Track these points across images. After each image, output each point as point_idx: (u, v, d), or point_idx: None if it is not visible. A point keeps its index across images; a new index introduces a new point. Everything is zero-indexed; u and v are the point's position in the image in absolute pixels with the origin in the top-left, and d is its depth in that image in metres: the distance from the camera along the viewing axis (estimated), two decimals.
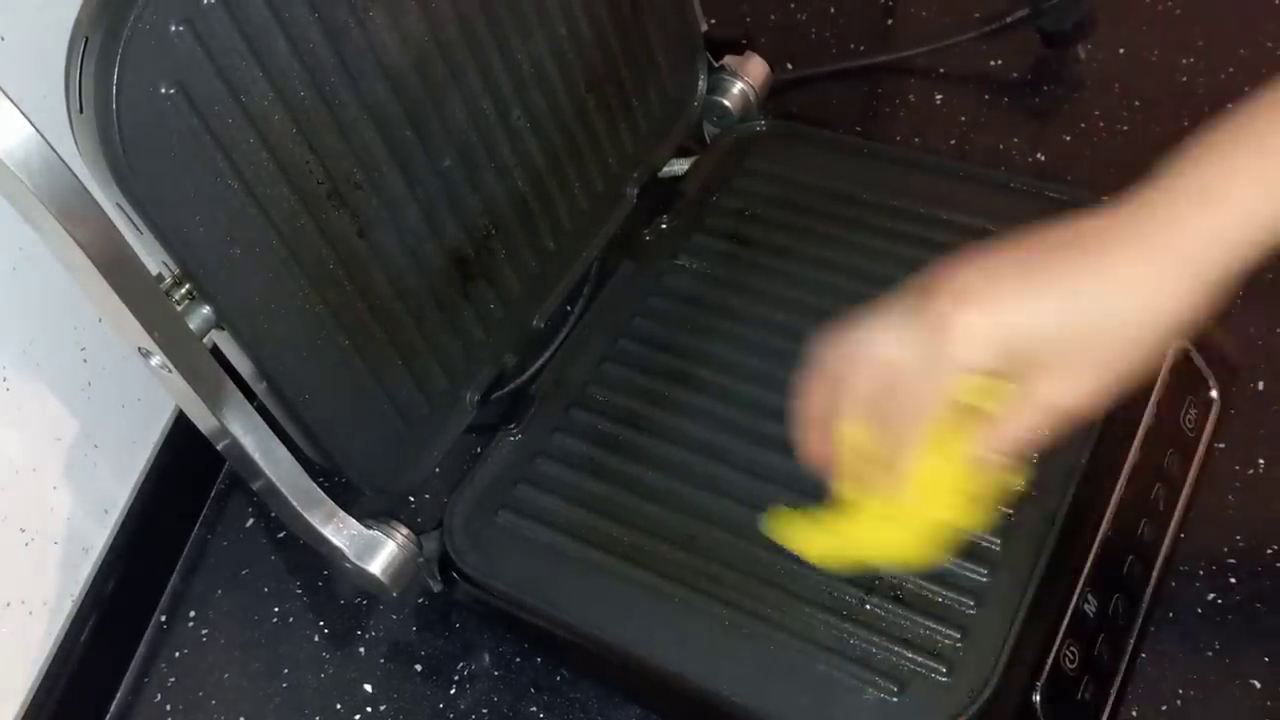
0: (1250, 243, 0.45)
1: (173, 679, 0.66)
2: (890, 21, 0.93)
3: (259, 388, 0.57)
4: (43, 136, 0.44)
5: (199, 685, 0.65)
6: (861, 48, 0.91)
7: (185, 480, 0.71)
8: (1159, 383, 0.61)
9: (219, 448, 0.56)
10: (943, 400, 0.46)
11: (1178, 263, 0.44)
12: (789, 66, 0.89)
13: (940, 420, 0.46)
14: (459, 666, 0.64)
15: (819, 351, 0.49)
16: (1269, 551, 0.62)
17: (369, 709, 0.63)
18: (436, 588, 0.64)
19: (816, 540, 0.50)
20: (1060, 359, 0.44)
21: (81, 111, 0.47)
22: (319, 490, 0.59)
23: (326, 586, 0.68)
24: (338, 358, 0.58)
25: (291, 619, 0.67)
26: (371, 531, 0.60)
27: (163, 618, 0.69)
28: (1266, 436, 0.66)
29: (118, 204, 0.49)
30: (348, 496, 0.62)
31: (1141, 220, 0.45)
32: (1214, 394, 0.64)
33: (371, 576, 0.60)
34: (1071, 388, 0.45)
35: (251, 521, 0.71)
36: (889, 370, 0.47)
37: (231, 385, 0.54)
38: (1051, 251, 0.45)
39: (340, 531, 0.59)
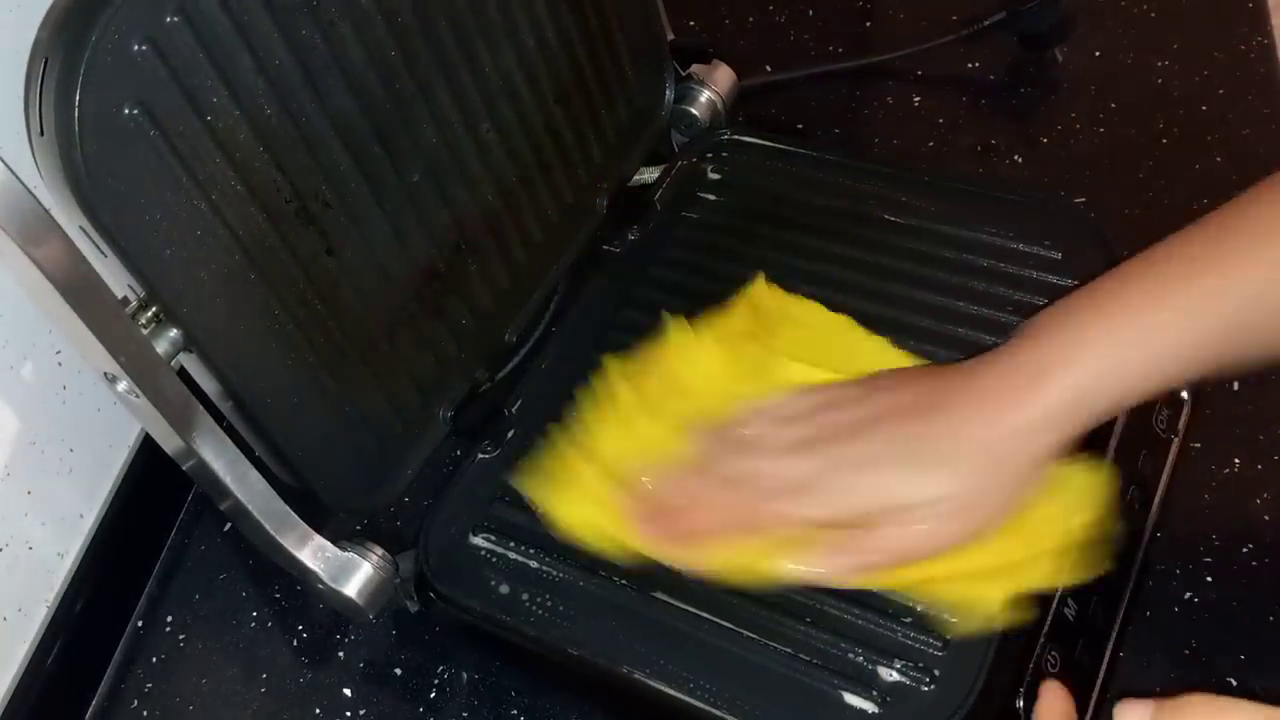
0: (1088, 411, 0.51)
1: (150, 685, 0.65)
2: (868, 24, 0.93)
3: (226, 407, 0.56)
4: (1, 160, 0.43)
5: (176, 691, 0.65)
6: (840, 50, 0.91)
7: (162, 485, 0.71)
8: None
9: (185, 468, 0.56)
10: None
11: (1036, 413, 0.51)
12: (768, 69, 0.89)
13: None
14: (439, 670, 0.64)
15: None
16: (1244, 550, 0.63)
17: (348, 713, 0.63)
18: (413, 608, 0.63)
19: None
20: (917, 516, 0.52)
21: (42, 134, 0.46)
22: (291, 512, 0.58)
23: (305, 591, 0.68)
24: (308, 377, 0.58)
25: (270, 624, 0.67)
26: (346, 553, 0.59)
27: (139, 623, 0.68)
28: (1242, 436, 0.66)
29: (81, 227, 0.48)
30: (320, 516, 0.61)
31: (1001, 378, 0.52)
32: (1184, 394, 0.64)
33: (346, 599, 0.59)
34: (949, 522, 0.52)
35: (229, 526, 0.71)
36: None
37: (201, 409, 0.54)
38: (921, 418, 0.53)
39: (313, 554, 0.59)
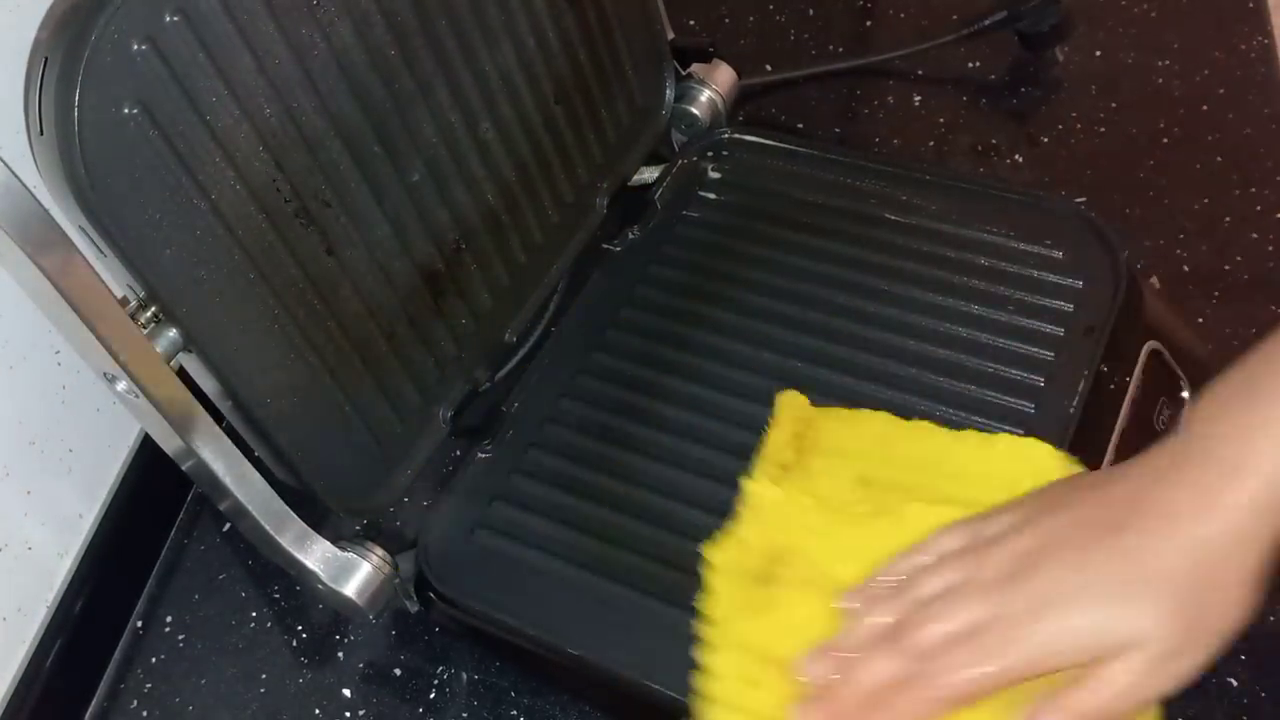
0: None
1: (149, 685, 0.65)
2: (868, 24, 0.93)
3: (226, 407, 0.56)
4: (1, 160, 0.43)
5: (176, 691, 0.65)
6: (840, 50, 0.91)
7: (161, 485, 0.71)
8: (1132, 384, 0.61)
9: (185, 468, 0.56)
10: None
11: (1232, 529, 0.42)
12: (768, 69, 0.89)
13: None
14: (439, 670, 0.64)
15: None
16: None
17: (348, 713, 0.63)
18: (413, 609, 0.63)
19: None
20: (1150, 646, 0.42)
21: (42, 133, 0.47)
22: (291, 513, 0.58)
23: (305, 591, 0.68)
24: (308, 377, 0.58)
25: (269, 624, 0.67)
26: (345, 554, 0.59)
27: (139, 623, 0.68)
28: None
29: (81, 227, 0.48)
30: (320, 516, 0.61)
31: (1185, 478, 0.43)
32: (1185, 394, 0.64)
33: (346, 599, 0.59)
34: (1157, 671, 0.43)
35: (228, 526, 0.71)
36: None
37: (201, 409, 0.54)
38: (1099, 542, 0.44)
39: (313, 554, 0.59)
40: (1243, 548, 0.42)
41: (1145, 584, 0.42)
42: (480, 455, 0.64)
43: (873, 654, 0.47)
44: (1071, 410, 0.60)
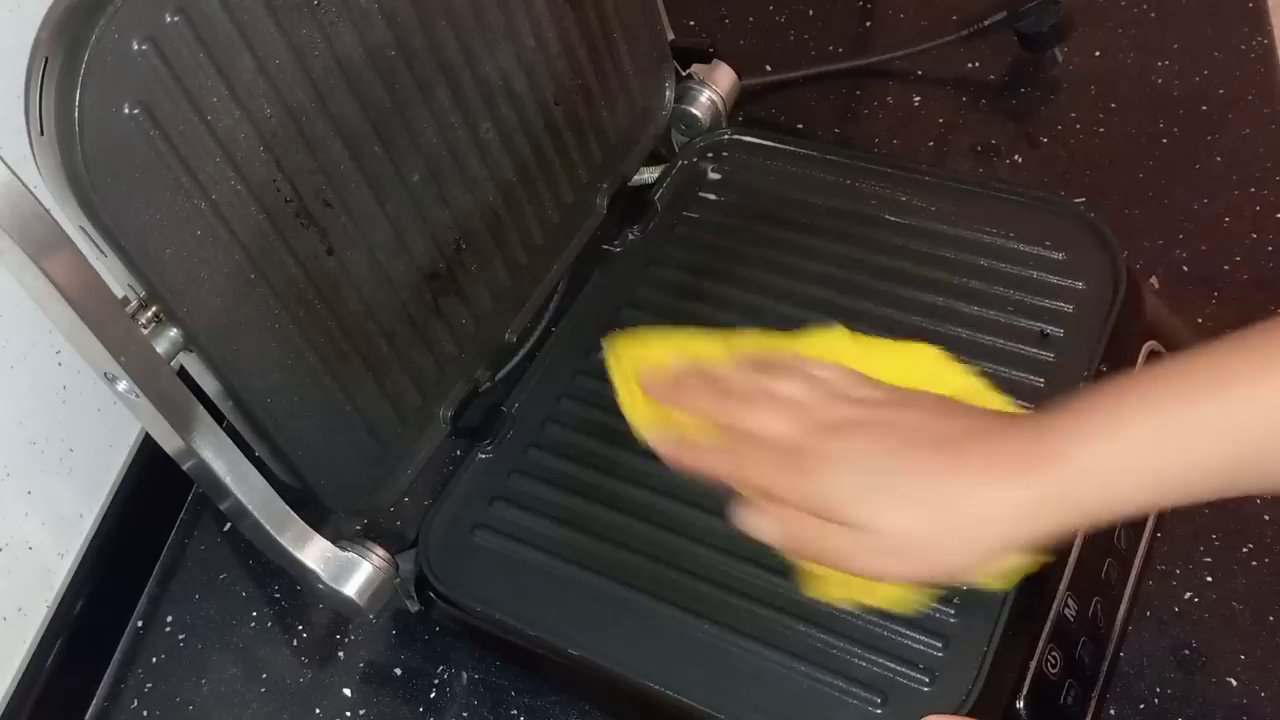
0: (1111, 505, 0.46)
1: (150, 685, 0.66)
2: (868, 24, 0.94)
3: (226, 407, 0.56)
4: (2, 160, 0.43)
5: (176, 691, 0.65)
6: (840, 50, 0.91)
7: (162, 484, 0.71)
8: None
9: (185, 468, 0.56)
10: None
11: (1035, 495, 0.46)
12: (768, 69, 0.89)
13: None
14: (439, 670, 0.64)
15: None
16: (1244, 550, 0.63)
17: (348, 713, 0.63)
18: (414, 608, 0.63)
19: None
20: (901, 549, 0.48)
21: (42, 134, 0.46)
22: (291, 512, 0.58)
23: (305, 591, 0.68)
24: (309, 377, 0.58)
25: (270, 623, 0.67)
26: (346, 553, 0.59)
27: (139, 623, 0.68)
28: None
29: (81, 227, 0.48)
30: (320, 516, 0.61)
31: (1024, 440, 0.47)
32: None
33: (346, 599, 0.59)
34: (868, 557, 0.49)
35: (229, 526, 0.71)
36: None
37: (201, 409, 0.54)
38: (931, 453, 0.49)
39: (313, 554, 0.59)
40: (1017, 522, 0.46)
41: (929, 498, 0.47)
42: (480, 455, 0.64)
43: (701, 400, 0.54)
44: None
